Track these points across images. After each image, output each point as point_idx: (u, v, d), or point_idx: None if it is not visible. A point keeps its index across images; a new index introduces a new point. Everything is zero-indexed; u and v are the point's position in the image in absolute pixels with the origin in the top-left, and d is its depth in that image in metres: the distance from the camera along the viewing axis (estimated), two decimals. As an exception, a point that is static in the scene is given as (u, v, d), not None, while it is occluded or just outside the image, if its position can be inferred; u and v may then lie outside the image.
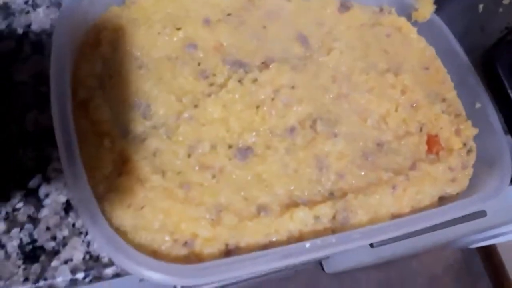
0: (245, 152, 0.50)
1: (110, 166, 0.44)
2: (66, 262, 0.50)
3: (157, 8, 0.54)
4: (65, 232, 0.52)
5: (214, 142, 0.49)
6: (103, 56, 0.48)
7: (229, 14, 0.57)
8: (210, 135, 0.49)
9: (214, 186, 0.47)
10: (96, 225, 0.40)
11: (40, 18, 0.65)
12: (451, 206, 0.54)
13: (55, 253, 0.50)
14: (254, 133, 0.51)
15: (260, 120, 0.52)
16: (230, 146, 0.50)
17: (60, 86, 0.43)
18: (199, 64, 0.53)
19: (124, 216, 0.43)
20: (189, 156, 0.47)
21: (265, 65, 0.56)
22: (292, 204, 0.48)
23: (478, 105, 0.65)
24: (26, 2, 0.65)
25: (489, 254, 1.89)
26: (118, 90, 0.48)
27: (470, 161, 0.61)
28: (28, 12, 0.65)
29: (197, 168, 0.47)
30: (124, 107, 0.47)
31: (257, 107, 0.53)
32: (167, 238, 0.43)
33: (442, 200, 0.58)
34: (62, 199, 0.53)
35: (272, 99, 0.54)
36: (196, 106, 0.50)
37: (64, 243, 0.51)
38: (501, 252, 1.85)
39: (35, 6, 0.66)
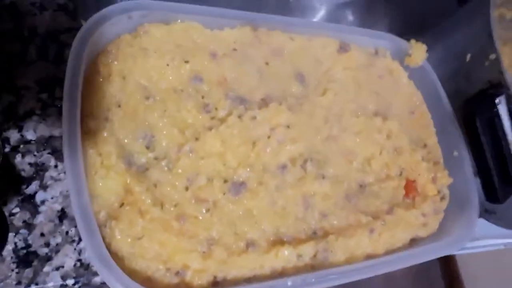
0: (239, 187, 0.53)
1: (114, 196, 0.46)
2: (57, 268, 0.53)
3: (168, 38, 0.56)
4: (58, 239, 0.54)
5: (210, 176, 0.52)
6: (112, 87, 0.50)
7: (235, 49, 0.60)
8: (208, 169, 0.53)
9: (208, 219, 0.50)
10: (94, 250, 0.43)
11: (46, 22, 0.66)
12: (422, 250, 0.59)
13: (48, 259, 0.53)
14: (248, 169, 0.55)
15: (255, 156, 0.56)
16: (225, 180, 0.53)
17: (73, 117, 0.45)
18: (203, 97, 0.56)
19: (123, 244, 0.46)
20: (186, 189, 0.51)
21: (264, 102, 0.59)
22: (278, 241, 0.52)
23: (455, 153, 0.70)
24: (33, 4, 0.66)
25: (447, 263, 1.99)
26: (125, 121, 0.50)
27: (442, 207, 0.66)
28: (34, 14, 0.65)
29: (193, 201, 0.50)
30: (130, 139, 0.49)
31: (254, 143, 0.56)
32: (160, 267, 0.47)
33: (413, 241, 0.63)
34: (57, 207, 0.55)
35: (268, 137, 0.57)
36: (197, 139, 0.53)
37: (57, 250, 0.54)
38: (459, 261, 1.95)
39: (42, 9, 0.66)
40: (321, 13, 1.15)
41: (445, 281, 2.01)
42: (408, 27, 1.09)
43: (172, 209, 0.49)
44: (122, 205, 0.47)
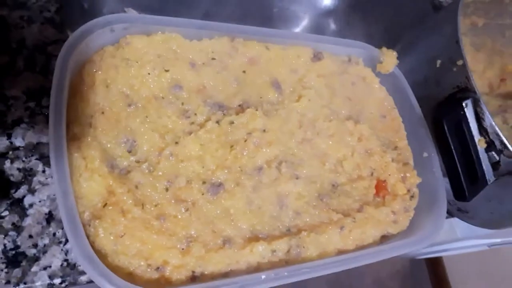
0: (217, 188, 0.57)
1: (97, 197, 0.50)
2: (45, 268, 0.56)
3: (149, 49, 0.59)
4: (46, 241, 0.57)
5: (190, 178, 0.56)
6: (96, 95, 0.54)
7: (213, 59, 0.63)
8: (187, 171, 0.56)
9: (187, 218, 0.53)
10: (79, 247, 0.46)
11: (34, 34, 0.69)
12: (391, 246, 0.63)
13: (36, 259, 0.56)
14: (226, 171, 0.58)
15: (233, 158, 0.59)
16: (204, 182, 0.57)
17: (58, 124, 0.48)
18: (182, 104, 0.59)
19: (106, 242, 0.49)
20: (166, 190, 0.54)
21: (241, 108, 0.63)
22: (254, 238, 0.56)
23: (425, 154, 0.74)
24: (21, 17, 0.69)
25: (435, 265, 2.03)
26: (108, 126, 0.53)
27: (412, 205, 0.70)
28: (23, 27, 0.69)
29: (173, 201, 0.54)
30: (113, 143, 0.53)
31: (231, 146, 0.60)
32: (142, 263, 0.50)
33: (384, 238, 0.67)
34: (45, 210, 0.58)
35: (245, 141, 0.61)
36: (176, 143, 0.57)
37: (45, 250, 0.57)
38: (446, 263, 1.99)
39: (30, 21, 0.70)
40: (304, 22, 1.20)
41: (432, 283, 2.05)
42: (385, 34, 1.15)
43: (152, 208, 0.52)
44: (105, 205, 0.50)
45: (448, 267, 2.01)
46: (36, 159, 0.61)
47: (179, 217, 0.53)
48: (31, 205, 0.58)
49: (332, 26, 1.21)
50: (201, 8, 1.02)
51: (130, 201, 0.50)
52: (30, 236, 0.57)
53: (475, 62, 1.03)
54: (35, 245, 0.56)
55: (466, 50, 1.02)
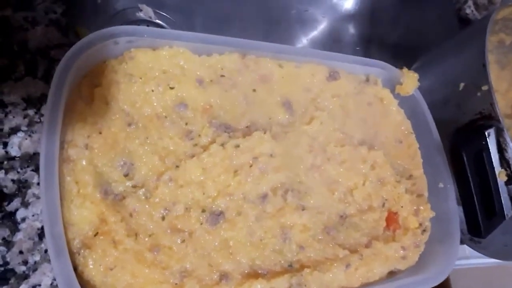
0: (217, 217, 0.53)
1: (88, 225, 0.47)
2: (34, 287, 0.54)
3: (154, 64, 0.56)
4: (37, 257, 0.55)
5: (188, 205, 0.53)
6: (95, 113, 0.50)
7: (222, 76, 0.59)
8: (186, 198, 0.53)
9: (183, 250, 0.50)
10: (63, 278, 0.44)
11: (37, 37, 0.66)
12: (399, 284, 0.60)
13: (25, 277, 0.54)
14: (228, 198, 0.55)
15: (236, 185, 0.56)
16: (203, 210, 0.53)
17: (51, 145, 0.45)
18: (186, 124, 0.56)
19: (96, 273, 0.46)
20: (163, 218, 0.51)
21: (248, 129, 0.59)
22: (253, 274, 0.53)
23: (441, 185, 0.70)
24: (25, 18, 0.66)
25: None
26: (105, 148, 0.50)
27: (423, 240, 0.66)
28: (26, 29, 0.66)
29: (168, 231, 0.51)
30: (108, 167, 0.50)
31: (235, 171, 0.56)
32: (132, 297, 0.47)
33: (391, 273, 0.63)
34: (38, 224, 0.56)
35: (250, 166, 0.57)
36: (177, 166, 0.54)
37: (35, 268, 0.54)
38: (451, 276, 1.96)
39: (34, 23, 0.66)
40: (323, 25, 1.15)
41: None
42: (406, 47, 1.10)
43: (146, 239, 0.49)
44: (96, 234, 0.47)
45: (453, 281, 1.97)
46: (32, 170, 0.58)
47: (174, 249, 0.50)
48: (23, 219, 0.56)
49: (351, 30, 1.17)
50: (218, 6, 0.99)
51: (123, 231, 0.48)
52: (21, 252, 0.55)
53: (499, 81, 0.98)
54: (25, 262, 0.54)
55: (491, 68, 0.97)
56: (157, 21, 0.95)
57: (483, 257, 1.57)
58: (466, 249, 1.52)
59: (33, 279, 0.53)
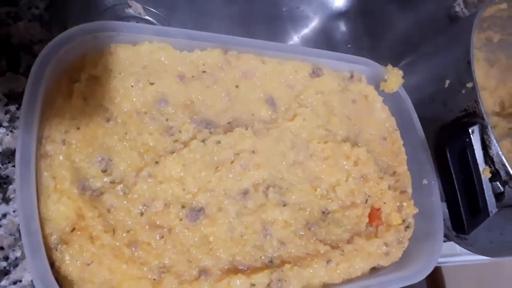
0: (197, 213, 0.53)
1: (65, 221, 0.47)
2: (15, 282, 0.53)
3: (135, 60, 0.55)
4: (18, 253, 0.55)
5: (168, 201, 0.52)
6: (73, 108, 0.50)
7: (204, 72, 0.59)
8: (166, 194, 0.53)
9: (161, 246, 0.50)
10: (39, 275, 0.43)
11: (20, 32, 0.65)
12: (380, 281, 0.59)
13: (6, 273, 0.53)
14: (208, 194, 0.55)
15: (217, 181, 0.56)
16: (183, 206, 0.53)
17: (27, 140, 0.45)
18: (166, 120, 0.56)
19: (73, 268, 0.46)
20: (141, 214, 0.51)
21: (230, 125, 0.59)
22: (233, 270, 0.53)
23: (425, 182, 0.70)
24: (7, 14, 0.66)
25: (433, 275, 2.00)
26: (83, 144, 0.50)
27: (407, 236, 0.66)
28: (9, 24, 0.65)
29: (147, 227, 0.50)
30: (86, 162, 0.49)
31: (216, 168, 0.56)
32: (110, 293, 0.47)
33: (374, 269, 0.63)
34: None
35: (232, 162, 0.57)
36: (157, 162, 0.53)
37: (16, 264, 0.54)
38: (445, 273, 1.97)
39: (16, 19, 0.66)
40: (314, 23, 1.15)
41: (430, 289, 2.02)
42: (394, 43, 1.10)
43: (124, 235, 0.49)
44: (73, 230, 0.47)
45: (447, 277, 1.98)
46: (13, 166, 0.57)
47: (153, 244, 0.50)
48: (4, 215, 0.55)
49: (343, 28, 1.16)
50: (209, 3, 0.99)
51: (100, 227, 0.47)
52: (1, 248, 0.54)
53: (488, 78, 0.98)
54: (5, 258, 0.54)
55: (479, 65, 0.97)
56: (147, 17, 0.95)
57: (474, 254, 1.58)
58: (457, 246, 1.53)
59: (14, 275, 0.53)
